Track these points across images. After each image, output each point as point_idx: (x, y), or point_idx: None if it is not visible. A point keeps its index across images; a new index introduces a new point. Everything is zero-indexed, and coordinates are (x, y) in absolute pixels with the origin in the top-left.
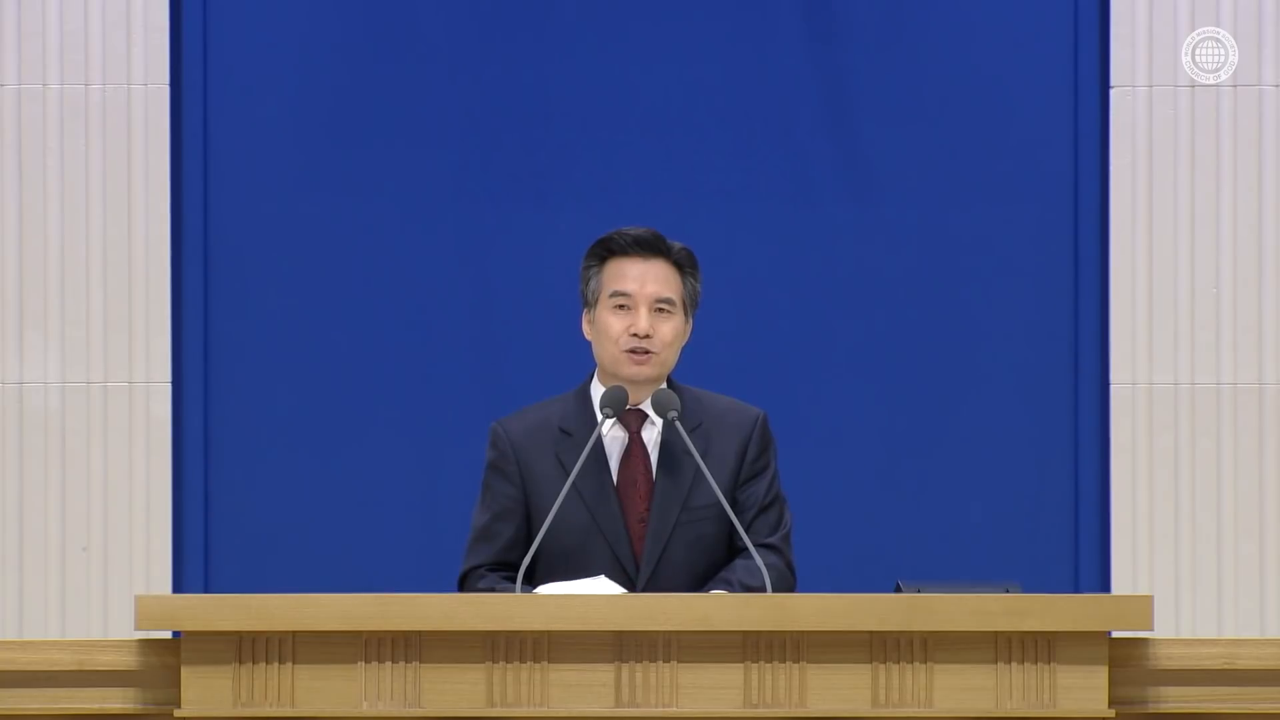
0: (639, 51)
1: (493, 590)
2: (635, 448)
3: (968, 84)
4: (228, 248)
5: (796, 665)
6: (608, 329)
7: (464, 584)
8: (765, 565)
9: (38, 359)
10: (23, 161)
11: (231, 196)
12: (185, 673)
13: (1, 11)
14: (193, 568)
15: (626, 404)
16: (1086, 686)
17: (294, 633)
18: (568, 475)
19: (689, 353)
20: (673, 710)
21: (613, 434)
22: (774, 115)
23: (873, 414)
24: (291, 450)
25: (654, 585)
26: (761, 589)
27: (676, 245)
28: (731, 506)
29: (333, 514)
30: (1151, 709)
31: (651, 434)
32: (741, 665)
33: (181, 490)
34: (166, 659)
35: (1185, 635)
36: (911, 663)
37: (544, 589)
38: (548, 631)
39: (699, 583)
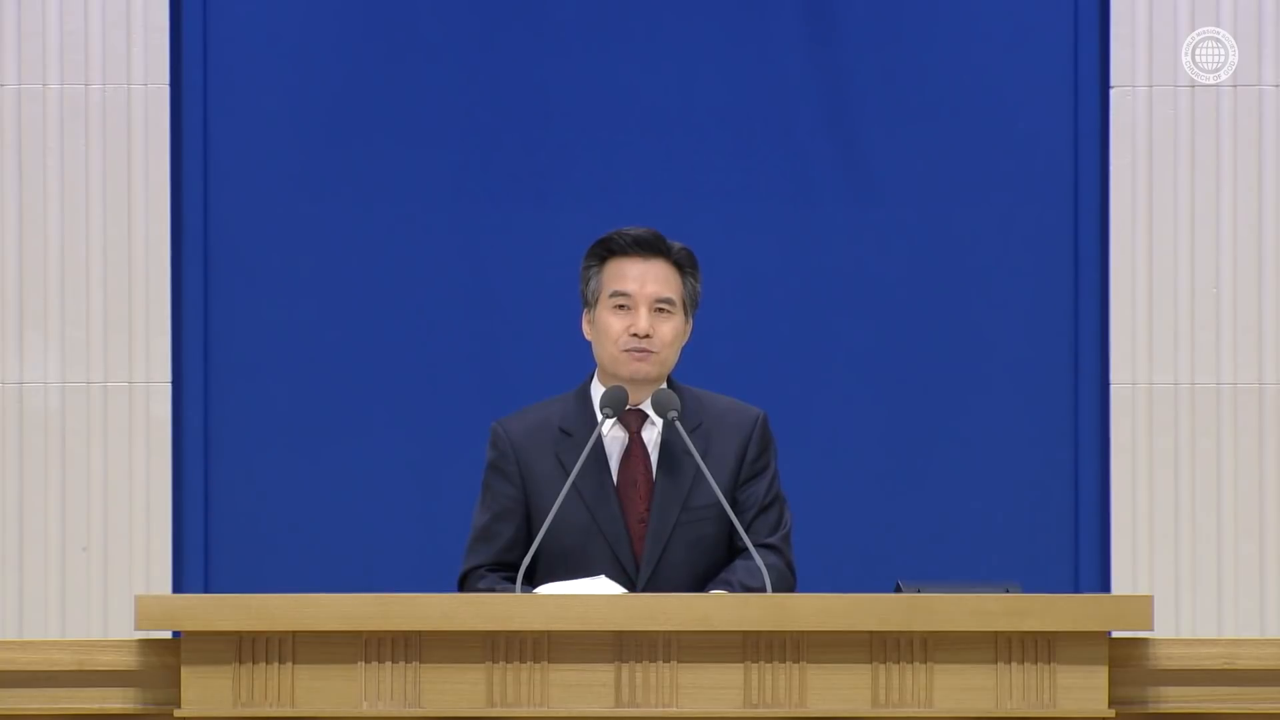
0: (639, 52)
1: (493, 590)
2: (635, 448)
3: (968, 84)
4: (228, 248)
5: (796, 665)
6: (608, 329)
7: (464, 584)
8: (765, 565)
9: (38, 359)
10: (23, 161)
11: (231, 196)
12: (185, 673)
13: (1, 11)
14: (193, 568)
15: (626, 404)
16: (1086, 686)
17: (294, 633)
18: (568, 475)
19: (689, 353)
20: (673, 710)
21: (613, 434)
22: (774, 115)
23: (873, 414)
24: (291, 450)
25: (654, 585)
26: (762, 590)
27: (676, 245)
28: (731, 506)
29: (333, 514)
30: (1151, 709)
31: (651, 434)
32: (741, 665)
33: (181, 490)
34: (166, 659)
35: (1185, 635)
36: (911, 663)
37: (544, 589)
38: (548, 631)
39: (699, 583)
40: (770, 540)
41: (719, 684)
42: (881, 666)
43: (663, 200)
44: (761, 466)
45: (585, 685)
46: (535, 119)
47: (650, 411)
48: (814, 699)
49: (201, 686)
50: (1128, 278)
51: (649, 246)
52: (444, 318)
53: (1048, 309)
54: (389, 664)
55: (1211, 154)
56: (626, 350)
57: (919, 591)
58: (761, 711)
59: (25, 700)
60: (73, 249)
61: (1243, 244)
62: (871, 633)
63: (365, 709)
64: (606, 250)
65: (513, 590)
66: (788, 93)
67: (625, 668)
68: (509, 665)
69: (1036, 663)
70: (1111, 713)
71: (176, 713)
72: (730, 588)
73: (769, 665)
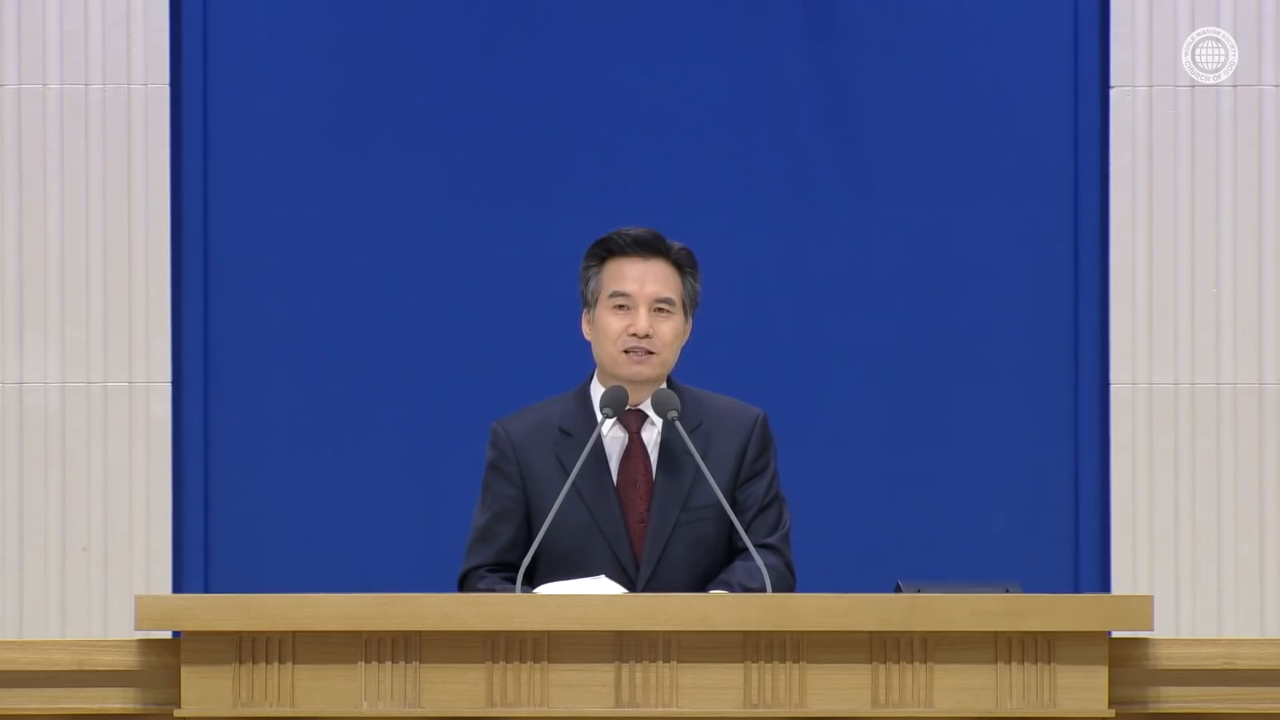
0: (639, 52)
1: (492, 590)
2: (635, 448)
3: (968, 84)
4: (228, 248)
5: (796, 665)
6: (607, 329)
7: (464, 584)
8: (765, 565)
9: (38, 359)
10: (23, 161)
11: (231, 196)
12: (185, 673)
13: (1, 11)
14: (193, 568)
15: (626, 404)
16: (1086, 686)
17: (294, 633)
18: (568, 475)
19: (689, 353)
20: (673, 710)
21: (613, 434)
22: (774, 115)
23: (873, 414)
24: (291, 450)
25: (654, 585)
26: (761, 590)
27: (676, 245)
28: (731, 506)
29: (333, 514)
30: (1151, 709)
31: (651, 434)
32: (741, 665)
33: (181, 490)
34: (166, 659)
35: (1185, 635)
36: (911, 663)
37: (544, 589)
38: (548, 631)
39: (699, 583)
40: (770, 540)
41: (719, 684)
42: (881, 666)
43: (663, 200)
44: (761, 466)
45: (585, 685)
46: (535, 119)
47: (650, 412)
48: (814, 699)
49: (201, 686)
50: (1128, 278)
51: (649, 246)
52: (444, 318)
53: (1048, 309)
54: (389, 664)
55: (1211, 154)
56: (626, 350)
57: (919, 591)
58: (761, 711)
59: (25, 700)
60: (73, 249)
61: (1243, 244)
62: (871, 633)
63: (365, 709)
64: (606, 250)
65: (513, 590)
66: (788, 93)
67: (625, 668)
68: (509, 665)
69: (1036, 663)
70: (1111, 713)
71: (176, 713)
72: (730, 588)
73: (769, 665)
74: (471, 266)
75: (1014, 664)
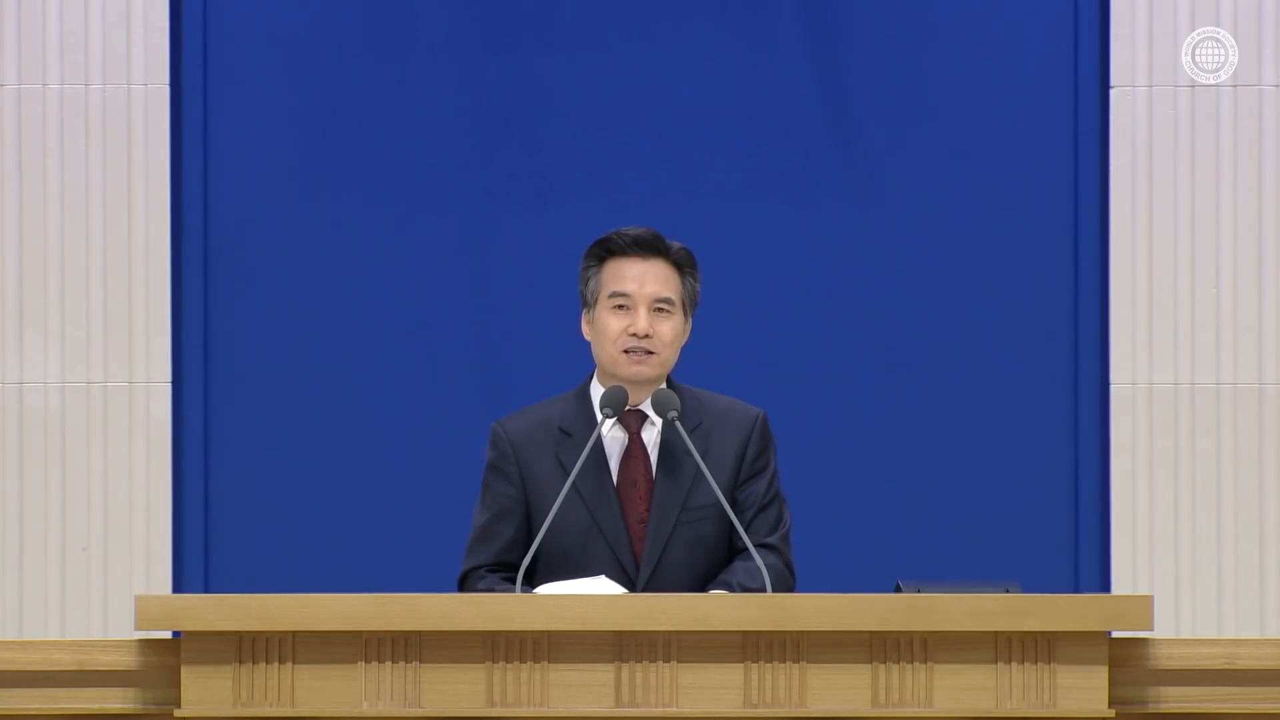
0: (639, 52)
1: (492, 590)
2: (635, 448)
3: (968, 84)
4: (228, 248)
5: (796, 665)
6: (607, 329)
7: (464, 584)
8: (764, 565)
9: (38, 359)
10: (23, 161)
11: (231, 196)
12: (185, 673)
13: (1, 11)
14: (193, 568)
15: (626, 404)
16: (1086, 686)
17: (294, 633)
18: (568, 475)
19: (689, 353)
20: (673, 710)
21: (612, 434)
22: (774, 115)
23: (873, 414)
24: (291, 450)
25: (654, 585)
26: (761, 590)
27: (675, 245)
28: (731, 506)
29: (333, 514)
30: (1151, 709)
31: (651, 434)
32: (741, 665)
33: (181, 490)
34: (166, 659)
35: (1185, 635)
36: (911, 663)
37: (544, 589)
38: (548, 631)
39: (699, 583)
40: (769, 540)
41: (719, 684)
42: (881, 666)
43: (663, 200)
44: (761, 466)
45: (585, 685)
46: (535, 119)
47: (650, 412)
48: (814, 699)
49: (201, 686)
50: (1128, 278)
51: (648, 246)
52: (444, 318)
53: (1048, 309)
54: (389, 664)
55: (1211, 154)
56: (626, 351)
57: (919, 591)
58: (761, 711)
59: (25, 700)
60: (73, 249)
61: (1243, 244)
62: (871, 633)
63: (365, 709)
64: (605, 250)
65: (513, 590)
66: (788, 93)
67: (625, 668)
68: (509, 665)
69: (1036, 663)
70: (1111, 713)
71: (176, 713)
72: (730, 588)
73: (769, 665)
74: (471, 266)
75: (1014, 664)
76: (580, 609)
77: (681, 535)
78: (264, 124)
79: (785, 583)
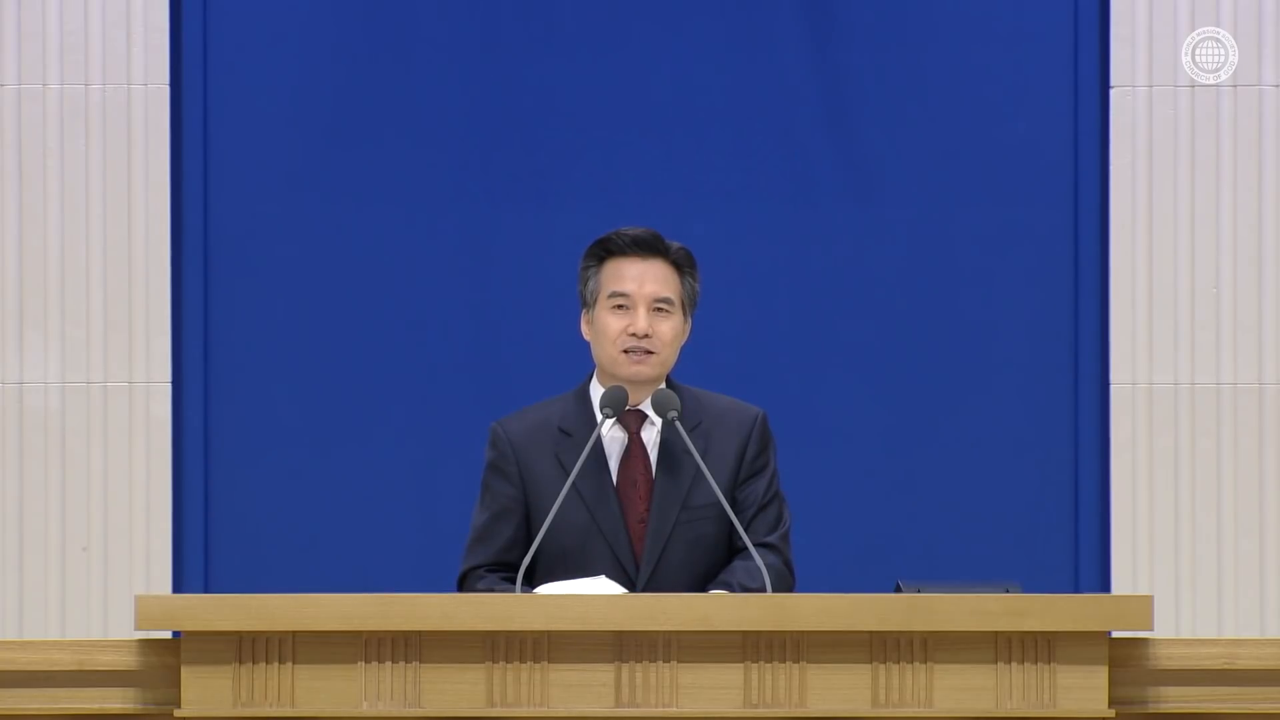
0: (639, 52)
1: (492, 590)
2: (635, 448)
3: (968, 84)
4: (228, 248)
5: (796, 665)
6: (606, 329)
7: (463, 584)
8: (764, 565)
9: (38, 359)
10: (23, 161)
11: (231, 196)
12: (185, 673)
13: (1, 11)
14: (193, 568)
15: (626, 404)
16: (1086, 686)
17: (294, 633)
18: (567, 475)
19: (689, 353)
20: (673, 710)
21: (612, 434)
22: (774, 115)
23: (873, 414)
24: (291, 450)
25: (654, 585)
26: (761, 590)
27: (675, 245)
28: (731, 506)
29: (333, 514)
30: (1151, 709)
31: (651, 434)
32: (741, 665)
33: (181, 490)
34: (166, 659)
35: (1185, 635)
36: (911, 663)
37: (544, 589)
38: (548, 631)
39: (699, 582)
40: (769, 539)
41: (719, 684)
42: (881, 666)
43: (663, 200)
44: (761, 465)
45: (585, 685)
46: (535, 119)
47: (650, 411)
48: (814, 699)
49: (201, 686)
50: (1128, 278)
51: (647, 246)
52: (444, 318)
53: (1048, 309)
54: (389, 664)
55: (1211, 154)
56: (625, 350)
57: (919, 591)
58: (761, 711)
59: (25, 700)
60: (73, 249)
61: (1243, 244)
62: (871, 633)
63: (365, 709)
64: (605, 250)
65: (512, 590)
66: (788, 93)
67: (625, 668)
68: (509, 665)
69: (1036, 663)
70: (1111, 713)
71: (176, 713)
72: (730, 588)
73: (769, 665)
74: (471, 266)
75: (1014, 664)
76: (580, 609)
77: (681, 535)
78: (264, 124)
79: (785, 582)
